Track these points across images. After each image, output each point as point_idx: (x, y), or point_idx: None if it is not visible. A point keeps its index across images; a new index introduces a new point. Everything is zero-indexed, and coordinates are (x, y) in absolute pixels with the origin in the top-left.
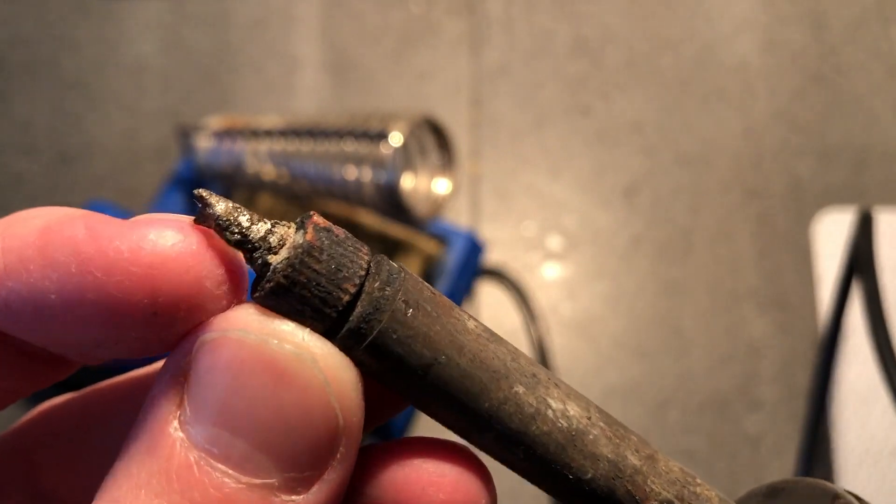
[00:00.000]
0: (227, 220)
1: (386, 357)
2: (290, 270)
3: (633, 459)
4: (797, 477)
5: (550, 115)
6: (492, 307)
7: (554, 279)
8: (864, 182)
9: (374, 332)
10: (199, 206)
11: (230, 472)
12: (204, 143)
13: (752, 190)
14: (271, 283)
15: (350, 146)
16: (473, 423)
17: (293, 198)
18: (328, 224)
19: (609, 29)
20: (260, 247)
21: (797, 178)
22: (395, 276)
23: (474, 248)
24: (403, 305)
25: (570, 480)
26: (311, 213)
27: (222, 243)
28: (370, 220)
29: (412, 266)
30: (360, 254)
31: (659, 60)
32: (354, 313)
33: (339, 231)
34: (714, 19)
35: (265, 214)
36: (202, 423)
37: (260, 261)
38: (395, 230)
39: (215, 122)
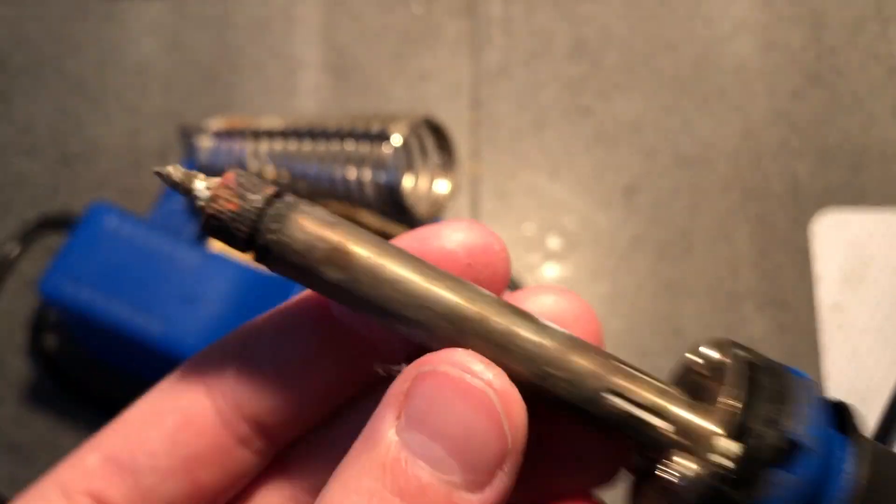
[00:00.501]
0: (184, 179)
1: (283, 254)
2: (202, 226)
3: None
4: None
5: (550, 116)
6: None
7: (554, 279)
8: (863, 182)
9: (273, 235)
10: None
11: (426, 467)
12: (205, 144)
13: (752, 190)
14: (205, 214)
15: (351, 146)
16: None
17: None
18: (231, 181)
19: (609, 30)
20: (194, 199)
21: (796, 178)
22: (283, 212)
23: None
24: (300, 214)
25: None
26: (228, 171)
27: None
28: (371, 219)
29: None
30: (256, 202)
31: (658, 61)
32: (261, 223)
33: (243, 184)
34: (713, 20)
35: None
36: (412, 430)
37: (196, 206)
38: (396, 230)
39: (216, 122)
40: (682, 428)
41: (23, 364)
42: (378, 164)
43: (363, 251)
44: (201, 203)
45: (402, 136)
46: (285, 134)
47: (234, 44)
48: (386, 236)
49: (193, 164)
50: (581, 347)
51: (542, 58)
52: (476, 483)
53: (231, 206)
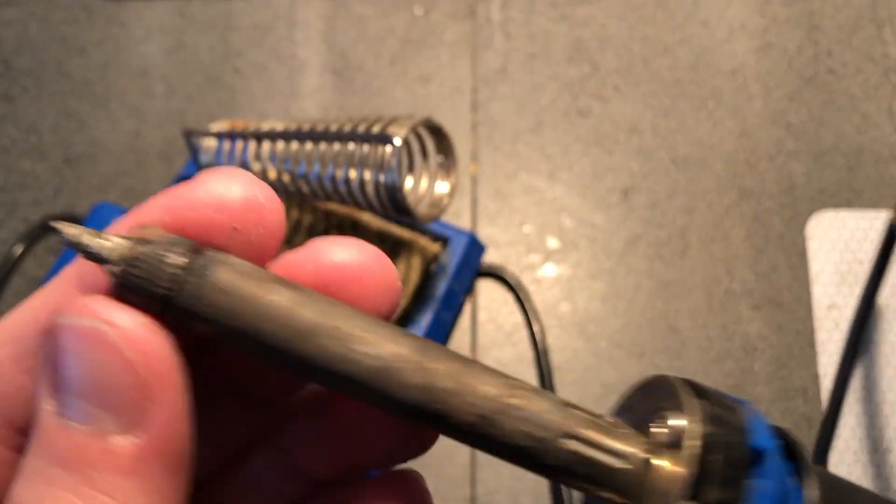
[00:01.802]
0: (77, 243)
1: (187, 318)
2: (120, 278)
3: (445, 383)
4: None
5: (549, 117)
6: (491, 307)
7: (552, 279)
8: (858, 183)
9: (186, 311)
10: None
11: (79, 426)
12: (208, 145)
13: (748, 191)
14: (113, 282)
15: (352, 148)
16: (297, 370)
17: (296, 198)
18: (140, 235)
19: (607, 32)
20: (105, 261)
21: (792, 179)
22: (203, 265)
23: (474, 248)
24: (208, 289)
25: (398, 409)
26: (145, 226)
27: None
28: (372, 220)
29: (413, 265)
30: (178, 257)
31: (656, 63)
32: (175, 290)
33: (158, 235)
34: (710, 23)
35: None
36: (59, 393)
37: (105, 268)
38: (397, 230)
39: (219, 124)
40: (640, 466)
41: None
42: (379, 166)
43: (281, 288)
44: (112, 262)
45: (403, 137)
46: (287, 135)
47: (237, 46)
48: (387, 235)
49: (197, 165)
50: (527, 389)
51: (542, 60)
52: (127, 423)
53: (145, 258)
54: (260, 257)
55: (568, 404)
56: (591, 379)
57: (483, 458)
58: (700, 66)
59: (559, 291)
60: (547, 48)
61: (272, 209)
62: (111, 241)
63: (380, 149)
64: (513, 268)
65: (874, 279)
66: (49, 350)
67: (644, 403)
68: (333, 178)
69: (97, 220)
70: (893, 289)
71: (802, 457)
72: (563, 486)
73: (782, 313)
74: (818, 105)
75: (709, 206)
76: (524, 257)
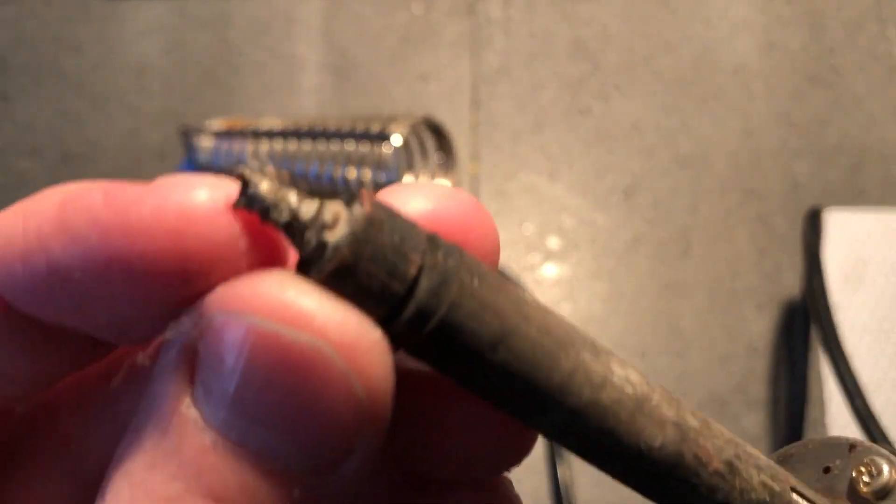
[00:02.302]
0: (275, 199)
1: (456, 334)
2: (355, 245)
3: (693, 421)
4: (807, 439)
5: (550, 116)
6: None
7: (554, 279)
8: (862, 182)
9: (445, 307)
10: (242, 187)
11: (248, 458)
12: (205, 144)
13: (751, 190)
14: (334, 263)
15: (351, 147)
16: (543, 400)
17: None
18: (380, 199)
19: (608, 31)
20: (312, 226)
21: (795, 178)
22: (452, 249)
23: None
24: (469, 276)
25: (639, 450)
26: (361, 189)
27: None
28: None
29: None
30: (416, 227)
31: (658, 62)
32: (420, 288)
33: (392, 206)
34: (713, 21)
35: None
36: (216, 405)
37: (315, 241)
38: None
39: (217, 123)
40: None
41: None
42: (378, 164)
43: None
44: (330, 235)
45: (403, 136)
46: (286, 134)
47: (235, 44)
48: None
49: (193, 164)
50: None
51: (542, 58)
52: (321, 468)
53: (381, 243)
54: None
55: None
56: None
57: None
58: (702, 64)
59: (560, 291)
60: (548, 47)
61: (486, 230)
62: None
63: (379, 148)
64: (513, 268)
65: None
66: (215, 349)
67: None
68: (332, 177)
69: None
70: (837, 284)
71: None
72: (563, 489)
73: (785, 314)
74: (822, 104)
75: (711, 206)
76: (524, 257)
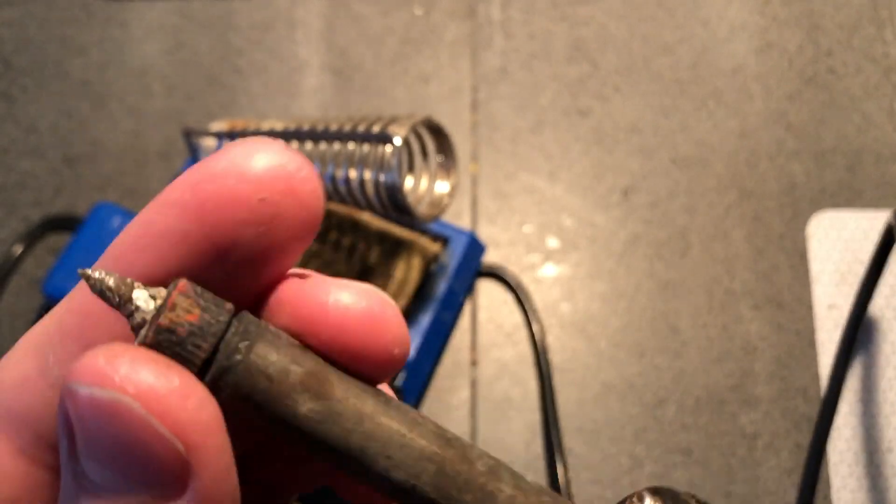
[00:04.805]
0: (101, 289)
1: (242, 402)
2: (156, 331)
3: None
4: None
5: (549, 117)
6: (491, 307)
7: (553, 279)
8: (859, 183)
9: (230, 386)
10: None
11: (112, 497)
12: (208, 145)
13: (748, 191)
14: (142, 340)
15: (352, 147)
16: (344, 460)
17: None
18: (188, 289)
19: (607, 32)
20: (136, 311)
21: (792, 178)
22: (250, 329)
23: (475, 248)
24: (255, 357)
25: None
26: (180, 280)
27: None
28: (372, 219)
29: (414, 265)
30: (220, 309)
31: (656, 63)
32: (212, 366)
33: (202, 295)
34: (710, 22)
35: None
36: (83, 459)
37: (138, 320)
38: (397, 230)
39: (219, 124)
40: None
41: None
42: (379, 165)
43: (340, 379)
44: (146, 314)
45: (403, 137)
46: (287, 135)
47: (237, 46)
48: (387, 235)
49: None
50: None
51: (542, 59)
52: (168, 495)
53: (191, 318)
54: (296, 234)
55: None
56: (591, 379)
57: None
58: (700, 65)
59: (559, 291)
60: (547, 48)
61: (304, 178)
62: (143, 298)
63: (380, 148)
64: (513, 268)
65: (870, 279)
66: (64, 415)
67: None
68: (333, 178)
69: (97, 219)
70: (892, 289)
71: None
72: (561, 488)
73: (783, 313)
74: (819, 105)
75: (709, 206)
76: (524, 257)
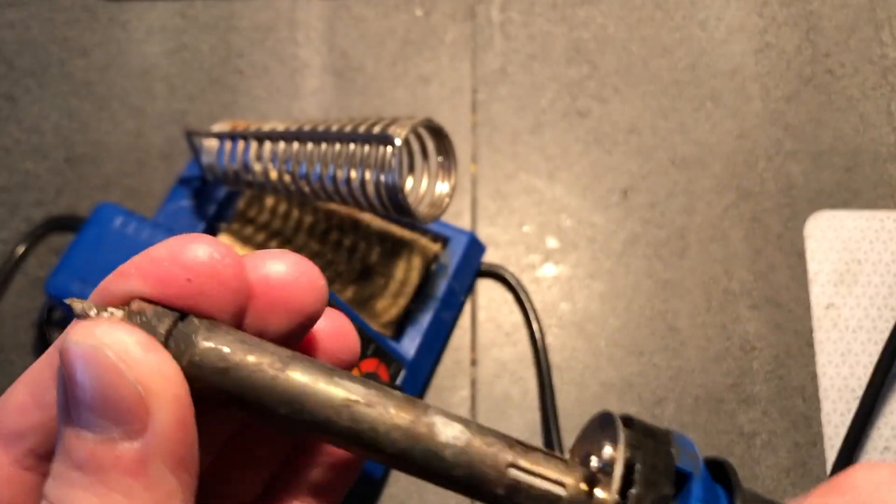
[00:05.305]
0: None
1: (197, 370)
2: (125, 316)
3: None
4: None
5: (549, 118)
6: (491, 306)
7: (552, 279)
8: (856, 184)
9: (186, 357)
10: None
11: (89, 434)
12: (210, 146)
13: (747, 191)
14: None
15: (353, 148)
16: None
17: (297, 198)
18: (142, 308)
19: (606, 33)
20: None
21: (790, 179)
22: (200, 318)
23: (474, 248)
24: (202, 336)
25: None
26: (134, 300)
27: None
28: (372, 220)
29: (414, 265)
30: (173, 311)
31: (655, 64)
32: (173, 333)
33: (148, 308)
34: (709, 24)
35: (269, 214)
36: (74, 409)
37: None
38: (397, 230)
39: (221, 125)
40: (577, 492)
41: (29, 364)
42: (380, 166)
43: (262, 345)
44: (117, 313)
45: (403, 138)
46: (288, 136)
47: (238, 47)
48: (388, 235)
49: (198, 165)
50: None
51: (541, 61)
52: (130, 432)
53: (153, 308)
54: (221, 308)
55: (513, 439)
56: (591, 378)
57: None
58: (699, 66)
59: (559, 291)
60: (546, 49)
61: (227, 265)
62: (115, 309)
63: (380, 149)
64: (513, 268)
65: None
66: (62, 368)
67: (593, 437)
68: (334, 179)
69: (99, 219)
70: None
71: (733, 481)
72: None
73: (781, 313)
74: (816, 106)
75: (707, 207)
76: (524, 257)
